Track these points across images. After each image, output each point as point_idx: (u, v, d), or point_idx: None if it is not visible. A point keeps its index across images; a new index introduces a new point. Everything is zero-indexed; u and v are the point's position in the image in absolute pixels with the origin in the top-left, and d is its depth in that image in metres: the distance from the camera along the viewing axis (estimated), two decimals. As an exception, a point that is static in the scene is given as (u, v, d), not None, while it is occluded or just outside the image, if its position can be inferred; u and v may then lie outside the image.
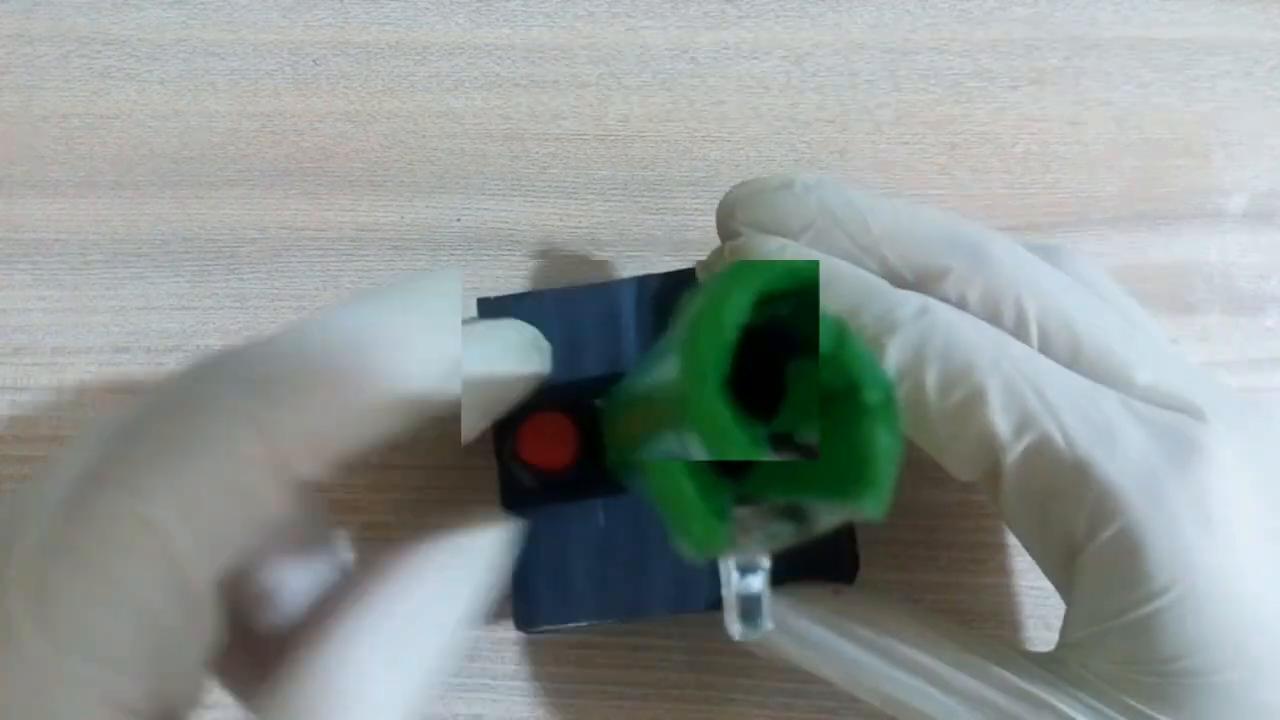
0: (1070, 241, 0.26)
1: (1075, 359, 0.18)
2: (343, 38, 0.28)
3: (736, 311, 0.11)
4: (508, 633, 0.25)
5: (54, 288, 0.27)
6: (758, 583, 0.14)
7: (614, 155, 0.27)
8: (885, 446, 0.10)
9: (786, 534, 0.12)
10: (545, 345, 0.19)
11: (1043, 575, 0.21)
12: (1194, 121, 0.27)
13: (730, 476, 0.11)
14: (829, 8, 0.27)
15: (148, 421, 0.13)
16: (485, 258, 0.26)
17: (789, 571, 0.21)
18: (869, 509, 0.10)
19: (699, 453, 0.10)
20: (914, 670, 0.19)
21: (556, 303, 0.22)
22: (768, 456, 0.10)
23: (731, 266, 0.11)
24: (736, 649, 0.25)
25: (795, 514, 0.12)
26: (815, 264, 0.11)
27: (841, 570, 0.22)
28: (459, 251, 0.27)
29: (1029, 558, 0.20)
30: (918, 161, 0.27)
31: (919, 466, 0.25)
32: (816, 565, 0.21)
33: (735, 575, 0.14)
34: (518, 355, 0.18)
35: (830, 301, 0.17)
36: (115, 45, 0.28)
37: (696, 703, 0.25)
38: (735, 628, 0.14)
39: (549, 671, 0.25)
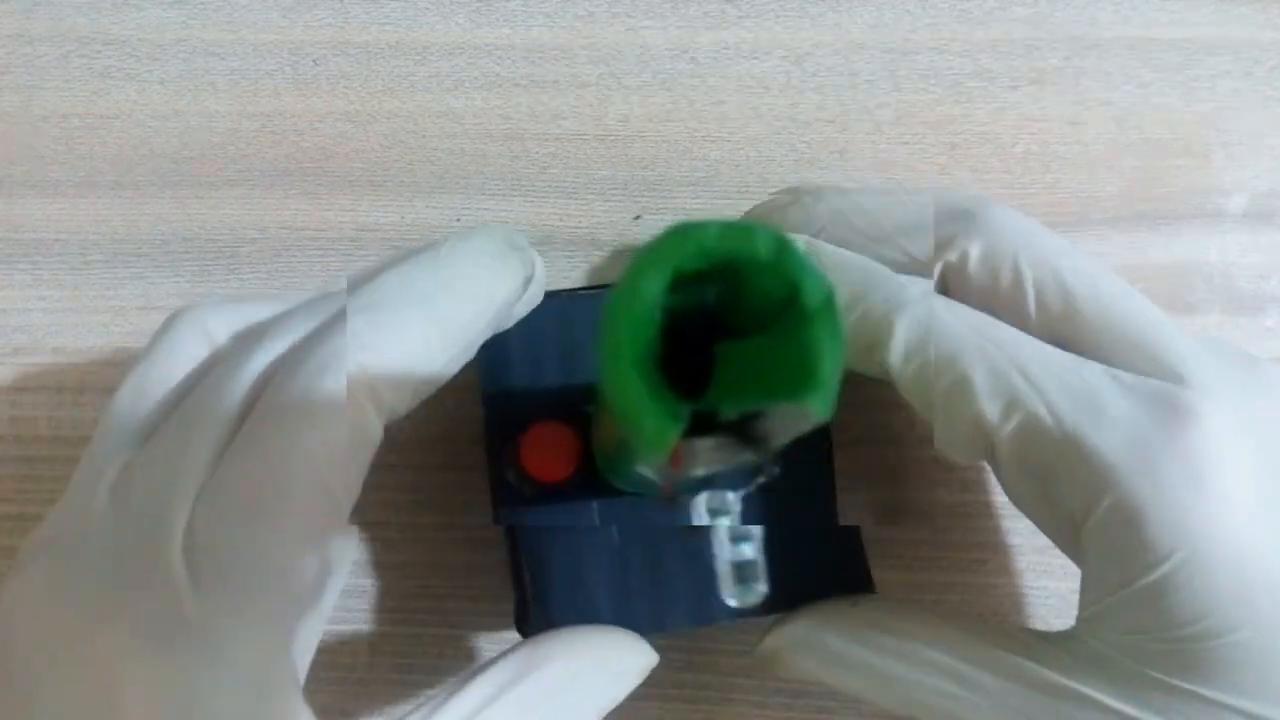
0: (1070, 242, 0.26)
1: (1069, 317, 0.18)
2: (343, 38, 0.28)
3: (651, 285, 0.11)
4: (508, 633, 0.25)
5: (54, 288, 0.27)
6: (750, 550, 0.14)
7: (614, 155, 0.27)
8: (827, 346, 0.11)
9: (743, 457, 0.12)
10: (523, 242, 0.20)
11: (1045, 575, 0.21)
12: (1194, 121, 0.27)
13: (686, 394, 0.12)
14: (829, 8, 0.27)
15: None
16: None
17: (807, 591, 0.21)
18: (815, 408, 0.11)
19: (627, 436, 0.11)
20: (937, 672, 0.19)
21: (555, 307, 0.22)
22: (678, 434, 0.11)
23: (648, 244, 0.11)
24: (736, 649, 0.25)
25: (750, 436, 0.12)
26: (733, 241, 0.11)
27: (859, 581, 0.22)
28: (459, 251, 0.27)
29: (1031, 558, 0.20)
30: (918, 161, 0.27)
31: (921, 467, 0.25)
32: (835, 581, 0.21)
33: (728, 546, 0.14)
34: (500, 264, 0.19)
35: (839, 288, 0.18)
36: (115, 45, 0.28)
37: (696, 703, 0.25)
38: (730, 595, 0.14)
39: (549, 671, 0.25)
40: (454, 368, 0.18)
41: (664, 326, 0.12)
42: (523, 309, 0.20)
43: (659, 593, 0.21)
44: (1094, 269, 0.19)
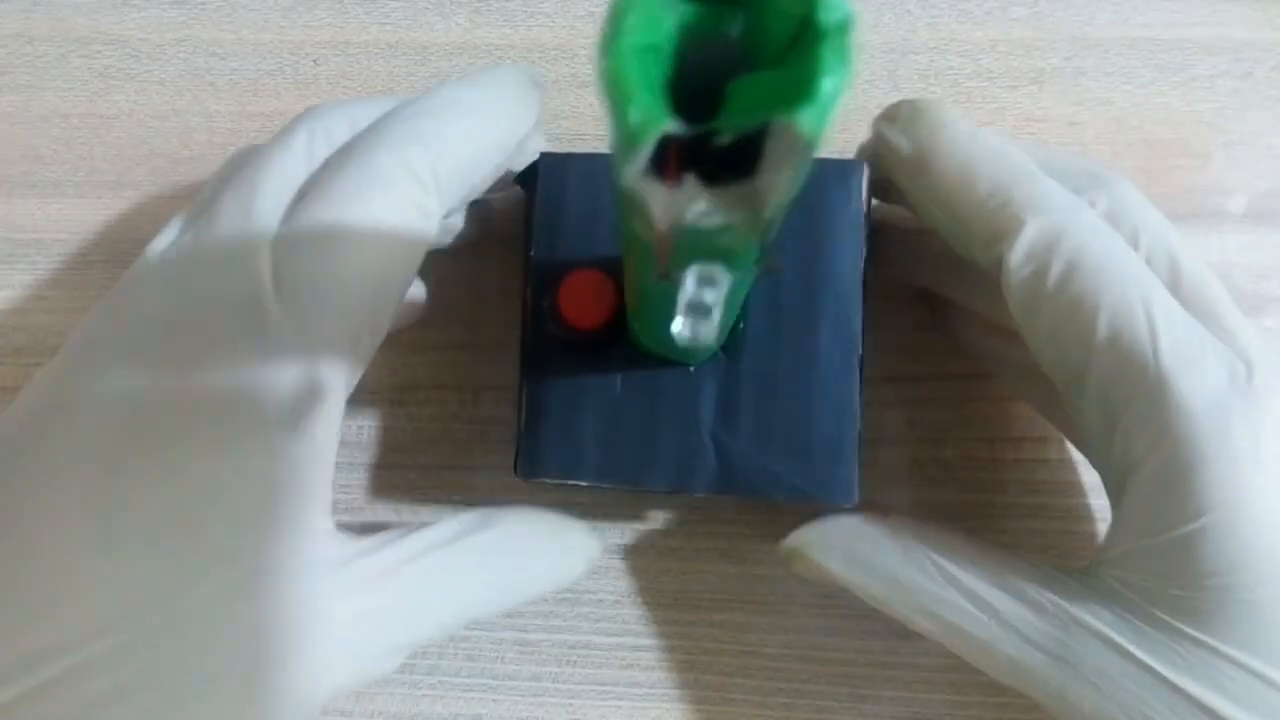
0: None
1: (1171, 287, 0.20)
2: (343, 38, 0.28)
3: None
4: (507, 633, 0.25)
5: (54, 288, 0.27)
6: (711, 295, 0.14)
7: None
8: (830, 64, 0.11)
9: (738, 201, 0.12)
10: (540, 81, 0.22)
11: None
12: (1194, 121, 0.27)
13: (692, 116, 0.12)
14: (829, 8, 0.27)
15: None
16: (487, 257, 0.26)
17: (788, 479, 0.21)
18: (806, 125, 0.11)
19: (618, 133, 0.11)
20: (954, 588, 0.20)
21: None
22: (664, 126, 0.11)
23: None
24: (736, 649, 0.25)
25: (746, 184, 0.12)
26: None
27: (846, 489, 0.21)
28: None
29: (1031, 558, 0.20)
30: (918, 161, 0.27)
31: (921, 467, 0.25)
32: (817, 480, 0.21)
33: (693, 287, 0.14)
34: (526, 95, 0.21)
35: (983, 174, 0.20)
36: (115, 45, 0.28)
37: (696, 703, 0.25)
38: (678, 325, 0.15)
39: (549, 671, 0.25)
40: (487, 183, 0.21)
41: (681, 65, 0.12)
42: (530, 154, 0.23)
43: (645, 451, 0.22)
44: (1196, 254, 0.20)
